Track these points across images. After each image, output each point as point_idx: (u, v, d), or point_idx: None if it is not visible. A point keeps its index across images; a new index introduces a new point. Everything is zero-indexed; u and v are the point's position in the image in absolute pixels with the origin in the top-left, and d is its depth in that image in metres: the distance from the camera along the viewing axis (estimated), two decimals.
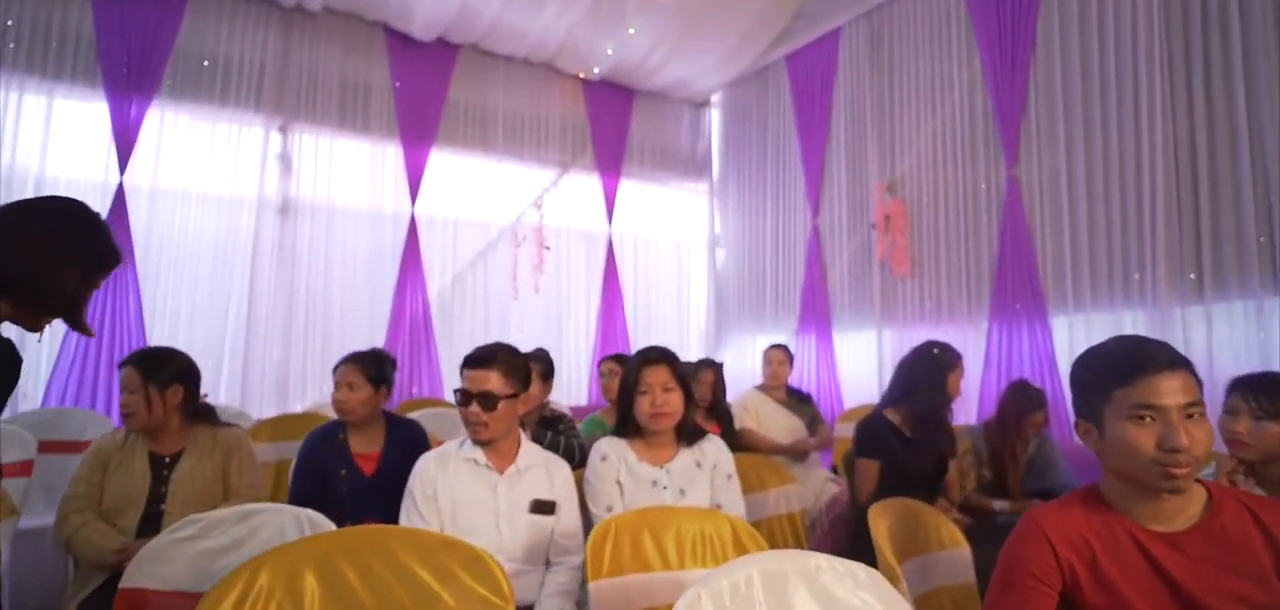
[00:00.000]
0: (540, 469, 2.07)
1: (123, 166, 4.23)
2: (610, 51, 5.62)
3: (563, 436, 3.19)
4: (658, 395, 2.12)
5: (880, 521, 1.87)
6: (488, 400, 1.96)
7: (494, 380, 1.98)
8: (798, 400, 4.04)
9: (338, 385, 2.54)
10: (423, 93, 5.30)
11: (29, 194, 3.98)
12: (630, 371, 2.20)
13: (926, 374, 2.81)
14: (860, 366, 5.20)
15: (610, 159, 6.24)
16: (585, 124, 6.16)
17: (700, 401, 3.59)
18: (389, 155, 5.22)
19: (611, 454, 2.16)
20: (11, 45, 4.07)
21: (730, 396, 4.09)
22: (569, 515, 2.07)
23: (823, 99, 5.50)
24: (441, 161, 5.42)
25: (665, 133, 6.66)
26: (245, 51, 4.72)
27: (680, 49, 5.78)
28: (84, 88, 4.23)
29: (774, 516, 2.72)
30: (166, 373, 2.27)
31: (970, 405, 4.19)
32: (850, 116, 5.32)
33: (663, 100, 6.64)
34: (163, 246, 4.38)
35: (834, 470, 4.02)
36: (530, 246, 5.77)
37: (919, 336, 4.65)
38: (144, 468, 2.24)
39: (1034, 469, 3.05)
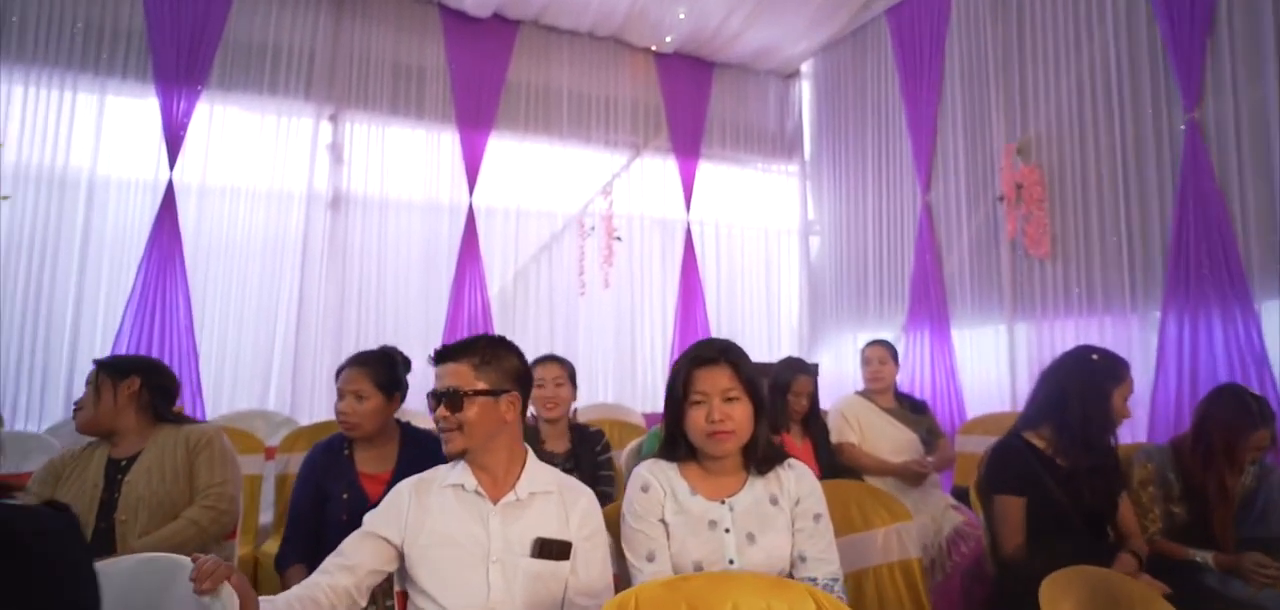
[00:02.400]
0: (550, 498, 1.54)
1: (172, 162, 4.07)
2: (682, 16, 5.04)
3: (601, 453, 2.65)
4: (716, 406, 1.54)
5: (1061, 603, 1.19)
6: (454, 399, 1.46)
7: (464, 374, 1.49)
8: (910, 409, 3.31)
9: (342, 393, 2.14)
10: (480, 74, 4.92)
11: (82, 196, 3.88)
12: (678, 374, 1.63)
13: (1083, 387, 2.08)
14: (985, 368, 4.36)
15: (687, 139, 5.65)
16: (659, 101, 5.61)
17: (795, 413, 2.96)
18: (445, 142, 4.87)
19: (655, 483, 1.60)
20: (66, 44, 3.99)
21: (827, 403, 3.43)
22: (592, 564, 1.52)
23: (933, 56, 4.69)
24: (501, 147, 5.02)
25: (749, 108, 6.01)
26: (294, 37, 4.49)
27: (762, 11, 5.12)
28: (135, 83, 4.11)
29: (883, 566, 2.04)
30: (124, 366, 2.05)
31: (1138, 419, 3.29)
32: (968, 71, 4.48)
33: (745, 72, 5.99)
34: (211, 246, 4.21)
35: (956, 495, 3.25)
36: (599, 237, 5.28)
37: (1064, 330, 3.82)
38: (97, 477, 1.96)
39: (1253, 509, 2.22)
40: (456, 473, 1.53)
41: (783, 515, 1.59)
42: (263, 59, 4.39)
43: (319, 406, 4.26)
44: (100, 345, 3.89)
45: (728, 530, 1.55)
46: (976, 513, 2.39)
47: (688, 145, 5.65)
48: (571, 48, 5.34)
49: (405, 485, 1.54)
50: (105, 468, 1.97)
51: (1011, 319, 4.16)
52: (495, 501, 1.49)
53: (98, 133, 4.02)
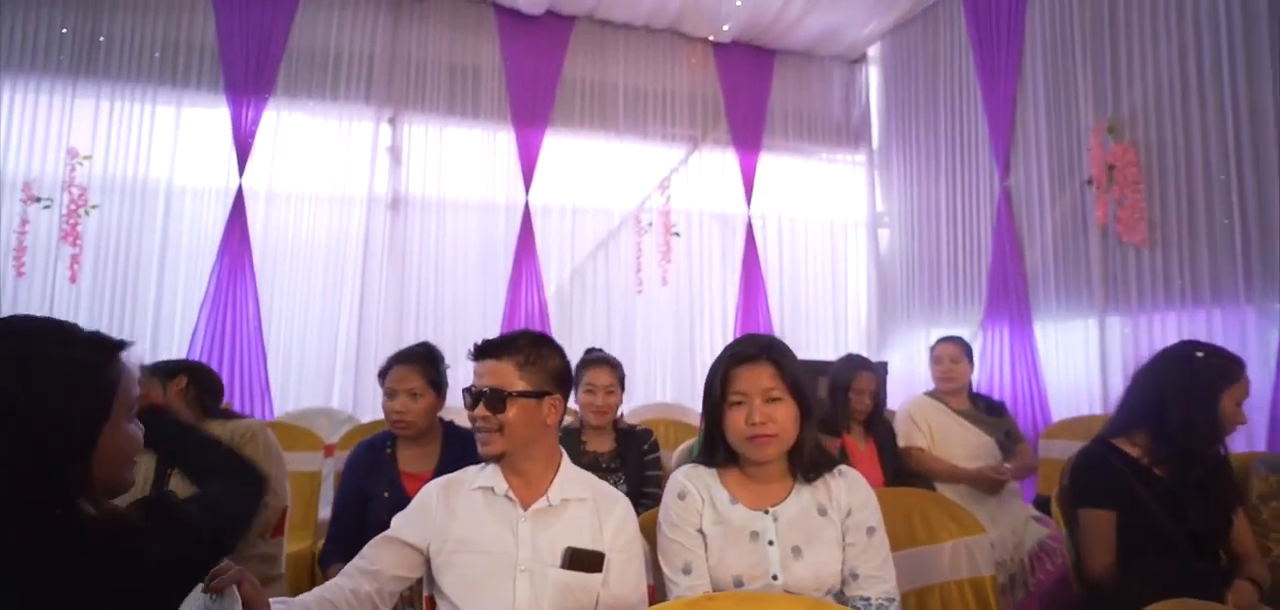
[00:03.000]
0: (584, 505, 1.45)
1: (241, 169, 4.23)
2: (739, 2, 4.87)
3: (648, 452, 2.54)
4: (756, 407, 1.42)
5: None
6: (496, 399, 1.39)
7: (507, 373, 1.41)
8: (986, 411, 3.06)
9: (393, 393, 2.14)
10: (535, 71, 4.91)
11: (160, 204, 4.07)
12: (716, 373, 1.51)
13: (1185, 388, 1.82)
14: (1073, 366, 4.01)
15: (748, 131, 5.47)
16: (717, 93, 5.46)
17: (857, 413, 2.78)
18: (501, 141, 4.89)
19: (692, 490, 1.49)
20: (146, 61, 4.21)
21: (897, 406, 3.22)
22: (625, 578, 1.42)
23: (1012, 29, 4.36)
24: (557, 145, 5.00)
25: (812, 97, 5.77)
26: (355, 42, 4.61)
27: None
28: (208, 94, 4.30)
29: (950, 583, 1.85)
30: (171, 367, 2.13)
31: (1256, 425, 2.92)
32: (1051, 43, 4.14)
33: (808, 59, 5.76)
34: (278, 249, 4.36)
35: (1039, 505, 2.98)
36: (657, 234, 5.18)
37: (1165, 324, 3.46)
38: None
39: None
40: (486, 475, 1.46)
41: (832, 527, 1.45)
42: (325, 65, 4.53)
43: (379, 405, 4.34)
44: (178, 347, 4.07)
45: (771, 543, 1.42)
46: (1061, 527, 2.15)
47: (748, 137, 5.47)
48: (627, 41, 5.27)
49: (434, 486, 1.49)
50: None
51: (1103, 312, 3.80)
52: (526, 507, 1.42)
53: (175, 143, 4.23)
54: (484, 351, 1.46)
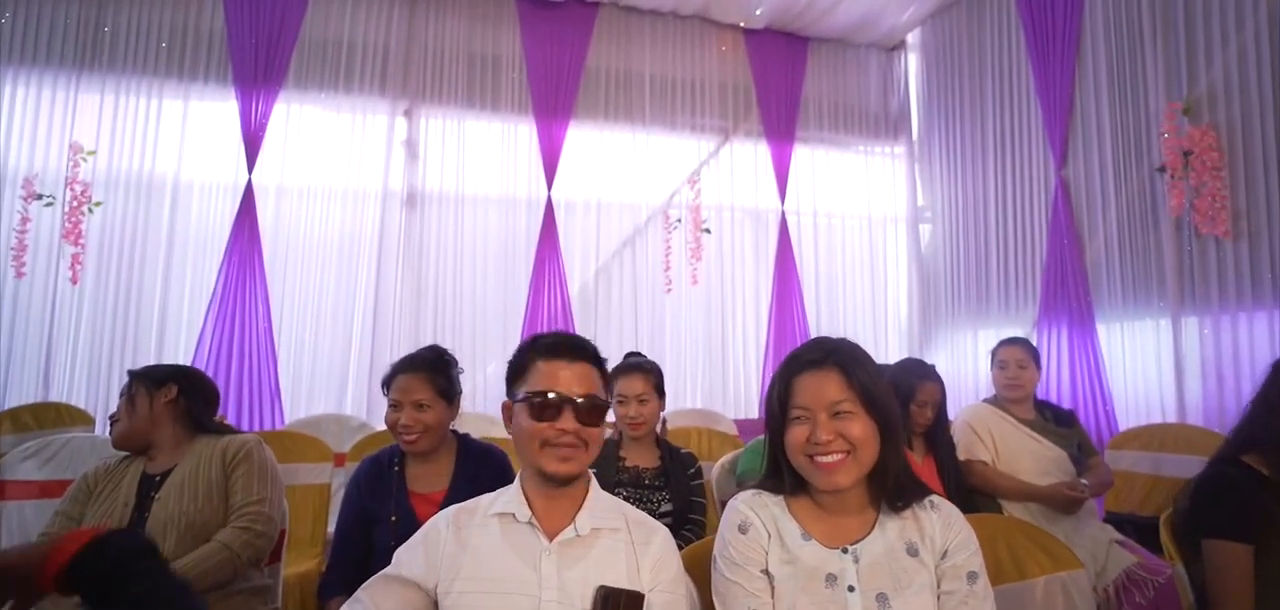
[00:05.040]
0: (617, 537, 1.23)
1: (251, 164, 4.05)
2: None
3: (694, 478, 2.28)
4: (821, 424, 1.18)
5: None
6: (596, 409, 1.24)
7: (597, 381, 1.28)
8: (1055, 421, 2.76)
9: (397, 404, 1.92)
10: (557, 60, 4.69)
11: (167, 200, 3.91)
12: (775, 386, 1.27)
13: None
14: (1143, 369, 3.69)
15: (781, 122, 5.21)
16: (749, 82, 5.21)
17: (918, 426, 2.49)
18: (521, 134, 4.67)
19: (757, 522, 1.25)
20: (153, 52, 4.04)
21: (948, 412, 2.92)
22: None
23: (1070, 7, 4.05)
24: (580, 137, 4.77)
25: (848, 85, 5.50)
26: (369, 32, 4.43)
27: None
28: (217, 87, 4.14)
29: None
30: (160, 375, 1.88)
31: None
32: (1116, 20, 3.83)
33: (843, 46, 5.50)
34: (289, 247, 4.17)
35: (1112, 523, 2.66)
36: (686, 230, 4.93)
37: (1254, 324, 3.13)
38: (129, 494, 1.78)
39: None
40: (505, 498, 1.24)
41: (925, 571, 1.19)
42: (338, 56, 4.35)
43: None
44: (184, 348, 3.90)
45: (852, 588, 1.17)
46: (1173, 558, 1.85)
47: (781, 129, 5.21)
48: (653, 28, 5.04)
49: (445, 515, 1.27)
50: (139, 483, 1.80)
51: (1178, 311, 3.48)
52: (551, 538, 1.19)
53: (182, 137, 4.07)
54: (580, 351, 1.26)
